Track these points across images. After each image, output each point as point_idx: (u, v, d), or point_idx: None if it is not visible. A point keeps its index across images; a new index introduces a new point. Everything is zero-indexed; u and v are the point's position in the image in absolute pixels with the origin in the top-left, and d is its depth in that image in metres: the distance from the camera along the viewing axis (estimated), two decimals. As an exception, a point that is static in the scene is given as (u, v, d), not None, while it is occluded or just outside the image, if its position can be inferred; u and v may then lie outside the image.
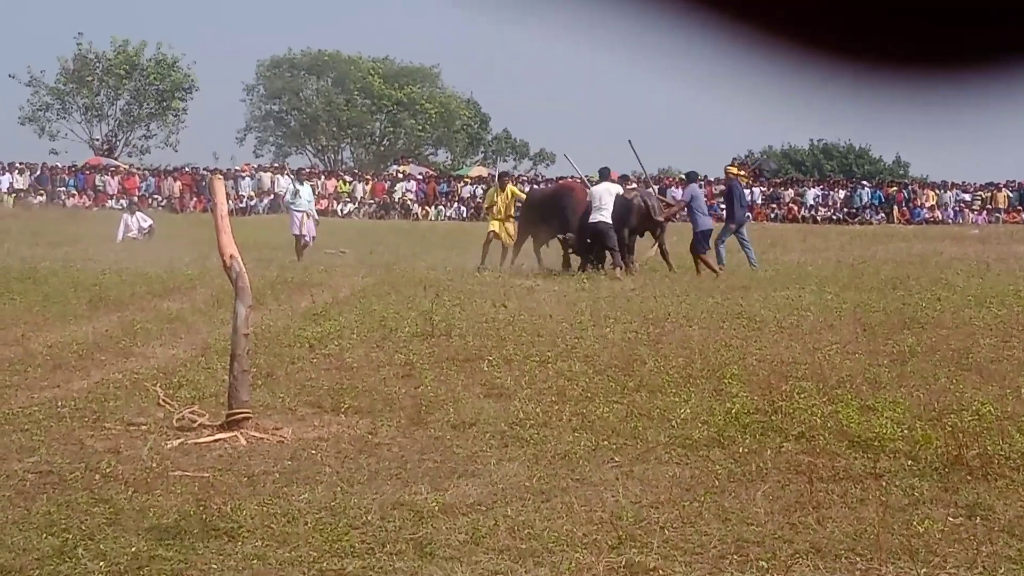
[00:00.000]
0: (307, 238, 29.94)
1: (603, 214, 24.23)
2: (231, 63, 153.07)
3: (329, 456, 8.73)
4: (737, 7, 2.18)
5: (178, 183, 68.12)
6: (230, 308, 10.44)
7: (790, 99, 2.40)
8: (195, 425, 9.56)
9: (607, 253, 24.43)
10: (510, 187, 29.10)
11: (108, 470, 8.09)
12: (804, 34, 2.22)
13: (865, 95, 2.32)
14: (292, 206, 30.58)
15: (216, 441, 9.19)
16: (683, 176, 36.32)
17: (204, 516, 6.92)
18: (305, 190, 31.17)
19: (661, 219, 25.17)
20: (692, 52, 2.32)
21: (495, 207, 28.27)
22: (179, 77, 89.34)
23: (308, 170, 66.41)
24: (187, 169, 71.17)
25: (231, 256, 10.30)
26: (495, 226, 27.96)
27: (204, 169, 69.53)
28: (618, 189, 25.35)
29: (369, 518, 6.99)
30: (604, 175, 26.33)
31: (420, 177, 73.40)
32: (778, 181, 73.29)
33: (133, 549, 6.41)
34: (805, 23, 2.20)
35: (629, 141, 27.68)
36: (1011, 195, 67.27)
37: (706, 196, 40.27)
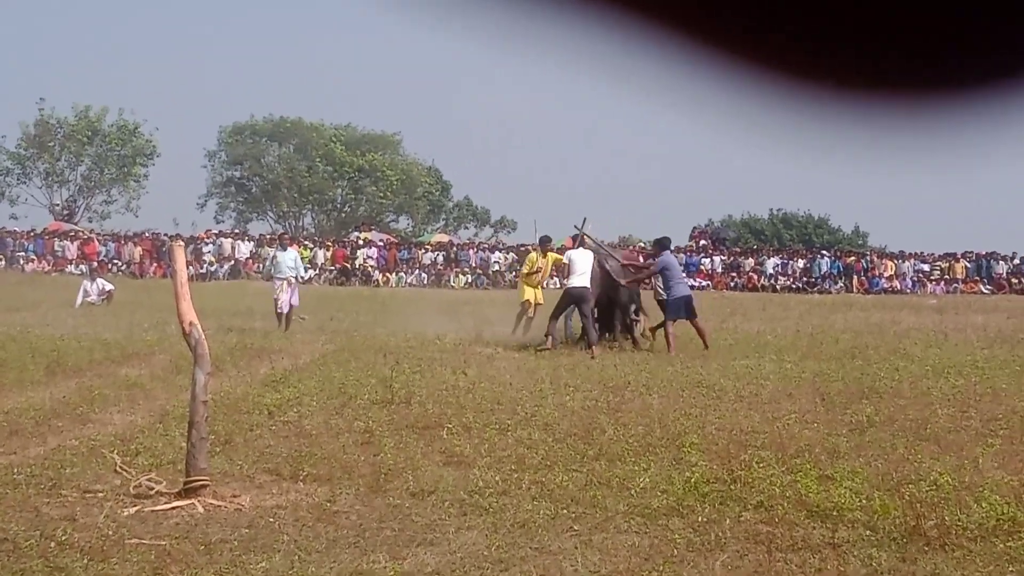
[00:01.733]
0: (283, 306, 28.84)
1: (583, 279, 24.07)
2: (193, 129, 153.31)
3: (287, 524, 8.67)
4: (706, 38, 2.20)
5: (138, 248, 67.93)
6: (189, 374, 10.40)
7: (762, 131, 2.42)
8: (152, 492, 9.48)
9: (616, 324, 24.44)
10: (552, 254, 28.33)
11: (64, 538, 8.02)
12: (778, 65, 2.23)
13: (828, 139, 2.35)
14: (273, 274, 29.63)
15: (173, 509, 9.12)
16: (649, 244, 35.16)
17: (160, 585, 6.87)
18: (285, 256, 29.85)
19: (623, 283, 24.65)
20: (660, 98, 2.34)
21: (536, 274, 27.56)
22: (141, 143, 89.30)
23: (290, 236, 66.19)
24: (147, 235, 70.95)
25: (190, 323, 10.27)
26: (529, 294, 27.37)
27: (165, 235, 69.34)
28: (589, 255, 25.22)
29: (327, 587, 6.95)
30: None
31: (381, 244, 73.45)
32: (738, 250, 73.64)
33: (88, 618, 6.36)
34: (780, 55, 2.22)
35: (583, 220, 27.02)
36: (969, 265, 67.83)
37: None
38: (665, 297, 23.77)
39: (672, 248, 24.32)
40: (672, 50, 2.19)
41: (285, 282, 28.80)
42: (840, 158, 2.40)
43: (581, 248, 25.37)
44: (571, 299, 24.16)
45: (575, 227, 26.71)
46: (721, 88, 2.23)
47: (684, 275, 24.08)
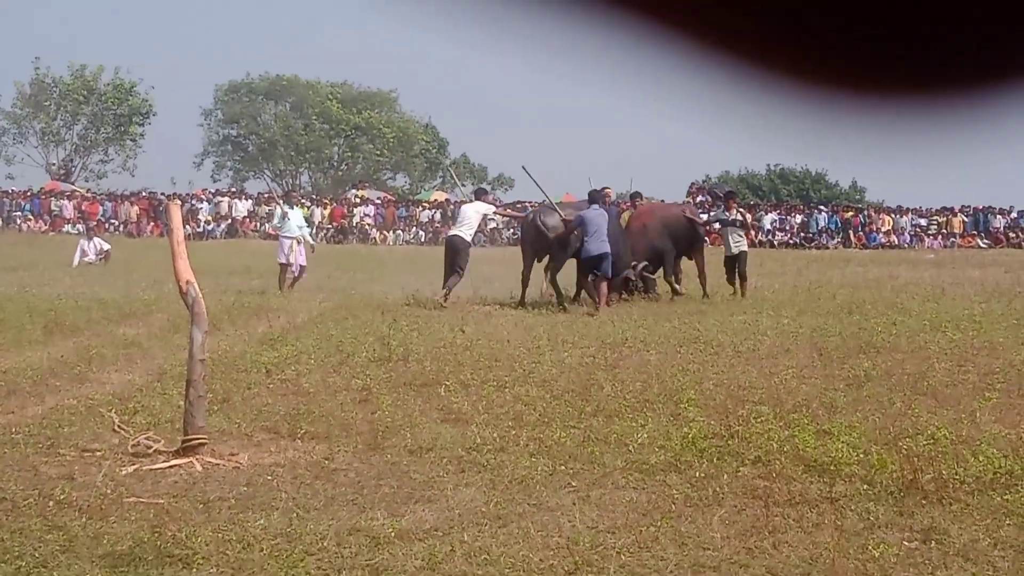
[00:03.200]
0: (295, 268, 27.82)
1: (461, 229, 24.21)
2: (189, 88, 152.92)
3: (285, 482, 8.69)
4: (697, 26, 2.18)
5: (135, 208, 67.77)
6: (186, 333, 10.39)
7: (752, 119, 2.41)
8: (150, 451, 9.49)
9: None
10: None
11: (62, 497, 8.03)
12: (767, 55, 2.22)
13: (827, 116, 2.33)
14: (281, 232, 28.34)
15: (171, 467, 9.13)
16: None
17: (159, 543, 6.87)
18: (295, 214, 28.89)
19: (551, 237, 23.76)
20: (655, 73, 2.32)
21: None
22: (137, 102, 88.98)
23: (298, 193, 65.91)
24: (144, 194, 70.78)
25: (187, 281, 10.26)
26: None
27: (161, 194, 69.21)
28: (487, 209, 25.30)
29: (325, 544, 6.96)
30: (479, 195, 25.86)
31: (378, 202, 73.26)
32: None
33: (87, 576, 6.37)
34: (769, 45, 2.20)
35: (523, 167, 26.53)
36: (966, 220, 67.71)
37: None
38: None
39: (603, 202, 23.22)
40: (668, 27, 2.19)
41: (294, 241, 27.78)
42: (839, 132, 2.39)
43: (477, 202, 25.46)
44: (446, 247, 24.29)
45: (523, 168, 26.32)
46: (722, 61, 2.22)
47: (604, 232, 22.69)
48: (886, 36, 2.16)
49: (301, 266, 27.77)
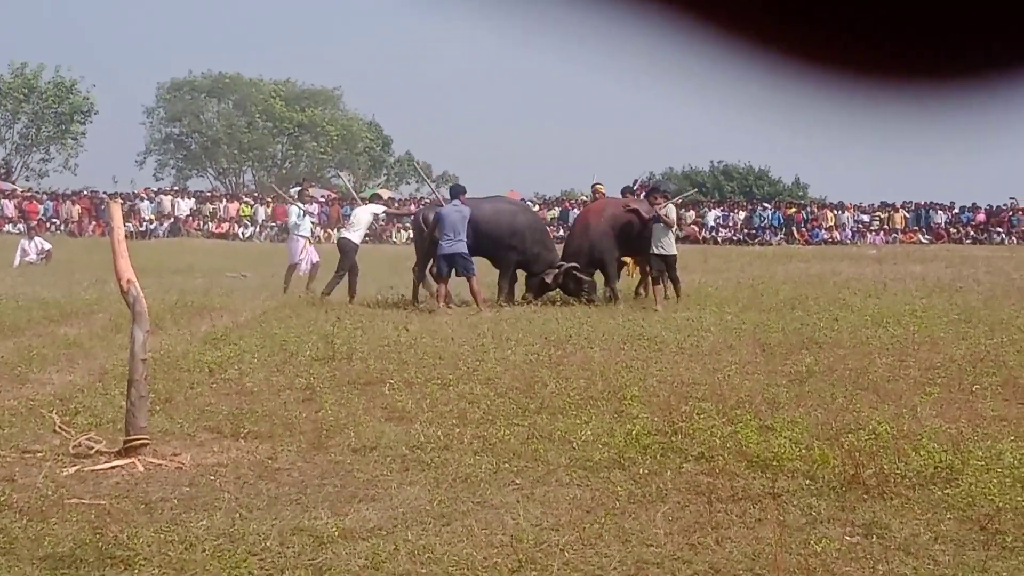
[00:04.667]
0: (305, 266, 26.83)
1: (350, 231, 24.56)
2: (131, 86, 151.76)
3: (228, 482, 8.67)
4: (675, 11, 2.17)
5: (77, 207, 67.30)
6: (128, 333, 10.32)
7: (707, 106, 2.42)
8: (92, 452, 9.44)
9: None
10: None
11: (2, 498, 7.97)
12: (730, 36, 2.22)
13: (776, 107, 2.33)
14: (297, 232, 27.13)
15: (113, 468, 9.09)
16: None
17: (100, 544, 6.84)
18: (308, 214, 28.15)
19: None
20: (600, 63, 2.32)
21: None
22: (78, 100, 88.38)
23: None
24: (86, 193, 70.33)
25: (128, 281, 10.20)
26: None
27: (103, 193, 68.75)
28: (377, 209, 25.79)
29: (268, 544, 6.95)
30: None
31: (322, 200, 73.05)
32: (678, 203, 73.75)
33: (27, 579, 6.33)
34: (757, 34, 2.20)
35: (416, 163, 26.16)
36: (908, 216, 68.15)
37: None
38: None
39: (461, 199, 22.54)
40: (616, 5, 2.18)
41: (307, 241, 27.12)
42: (788, 123, 2.39)
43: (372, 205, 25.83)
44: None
45: (415, 165, 26.06)
46: (669, 44, 2.21)
47: (462, 231, 22.02)
48: (838, 20, 2.16)
49: (315, 263, 26.96)
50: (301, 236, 26.88)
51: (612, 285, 23.97)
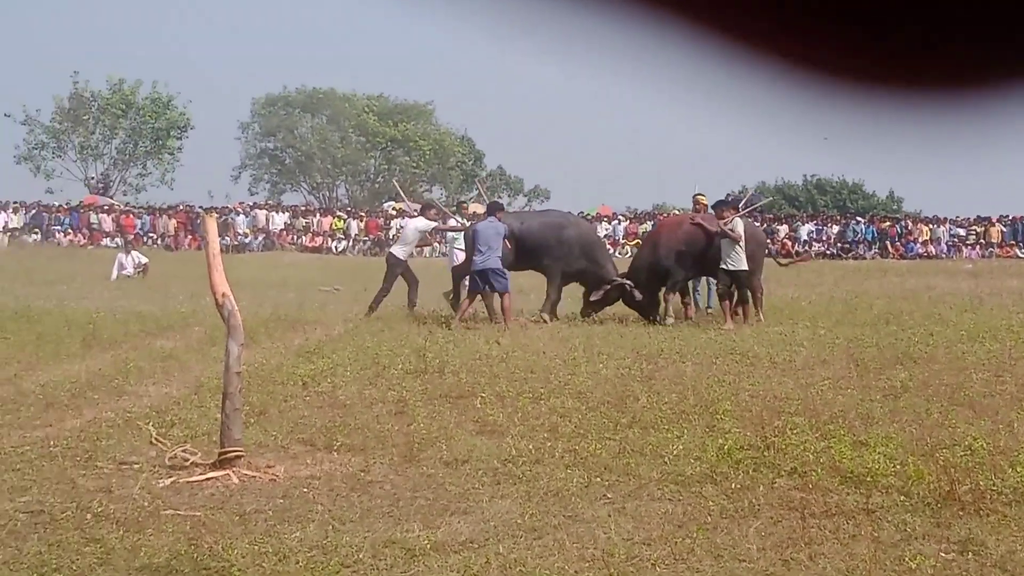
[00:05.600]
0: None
1: (396, 247, 24.64)
2: (226, 101, 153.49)
3: (321, 494, 8.71)
4: (737, 28, 2.18)
5: (173, 221, 68.07)
6: (223, 346, 10.41)
7: (791, 125, 2.41)
8: (187, 464, 9.52)
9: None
10: None
11: (100, 509, 8.07)
12: (806, 56, 2.22)
13: (865, 121, 2.32)
14: (455, 245, 26.57)
15: (208, 480, 9.16)
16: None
17: (195, 555, 6.91)
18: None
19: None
20: (695, 78, 2.32)
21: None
22: (174, 116, 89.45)
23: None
24: (182, 207, 71.08)
25: (223, 294, 10.29)
26: None
27: (199, 207, 69.45)
28: (426, 225, 24.88)
29: (361, 556, 6.98)
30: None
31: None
32: (772, 216, 73.35)
33: (124, 588, 6.40)
34: (806, 44, 2.20)
35: (395, 181, 25.82)
36: (1004, 230, 67.31)
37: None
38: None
39: (497, 215, 22.26)
40: (702, 32, 2.19)
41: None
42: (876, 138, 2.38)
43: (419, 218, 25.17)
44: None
45: (394, 183, 25.65)
46: (758, 62, 2.22)
47: (496, 246, 21.76)
48: (924, 34, 2.15)
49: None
50: (458, 249, 25.79)
51: (667, 297, 23.00)
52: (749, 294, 22.44)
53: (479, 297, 21.95)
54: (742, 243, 21.62)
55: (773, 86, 2.25)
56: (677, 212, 25.53)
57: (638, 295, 22.81)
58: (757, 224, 36.05)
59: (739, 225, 21.73)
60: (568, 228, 24.22)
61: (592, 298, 23.01)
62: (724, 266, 21.80)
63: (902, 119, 2.28)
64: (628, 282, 22.93)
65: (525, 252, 23.27)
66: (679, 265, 22.68)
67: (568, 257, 23.33)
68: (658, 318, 22.48)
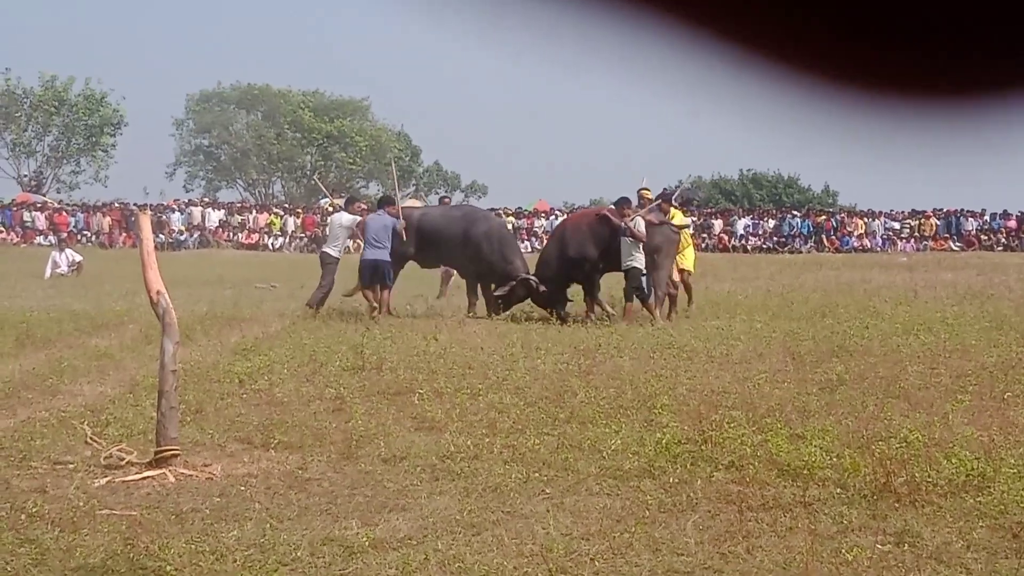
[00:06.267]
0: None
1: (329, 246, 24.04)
2: (160, 98, 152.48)
3: (258, 492, 8.67)
4: (681, 13, 2.17)
5: (107, 219, 67.58)
6: (158, 344, 10.35)
7: (738, 118, 2.40)
8: (123, 463, 9.45)
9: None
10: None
11: (34, 509, 8.00)
12: (758, 47, 2.21)
13: (808, 117, 2.32)
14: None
15: (144, 479, 9.11)
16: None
17: (131, 555, 6.86)
18: None
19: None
20: (631, 71, 2.31)
21: None
22: (108, 112, 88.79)
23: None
24: (116, 205, 70.60)
25: (158, 292, 10.23)
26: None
27: (134, 204, 69.00)
28: (351, 220, 23.84)
29: (299, 554, 6.95)
30: (382, 203, 24.20)
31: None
32: (708, 211, 73.62)
33: (59, 589, 6.35)
34: (777, 45, 2.19)
35: (315, 178, 25.66)
36: (938, 223, 67.84)
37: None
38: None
39: (387, 208, 22.53)
40: (641, 18, 2.17)
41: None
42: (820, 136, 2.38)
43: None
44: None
45: (315, 179, 25.58)
46: (697, 54, 2.21)
47: (384, 239, 21.95)
48: (874, 35, 2.15)
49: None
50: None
51: (591, 295, 22.86)
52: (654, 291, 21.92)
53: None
54: (643, 241, 21.36)
55: (715, 77, 2.24)
56: (630, 209, 24.89)
57: (542, 289, 22.58)
58: (693, 218, 36.14)
59: (640, 223, 21.46)
60: (477, 223, 24.12)
61: (497, 294, 22.91)
62: (626, 264, 21.61)
63: (843, 114, 2.29)
64: (533, 278, 22.76)
65: (430, 246, 23.43)
66: (584, 259, 22.35)
67: (476, 252, 23.28)
68: (563, 314, 22.22)
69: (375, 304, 22.33)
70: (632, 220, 21.48)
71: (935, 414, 11.06)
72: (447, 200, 31.27)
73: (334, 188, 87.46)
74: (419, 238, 22.98)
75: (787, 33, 2.17)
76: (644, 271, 21.49)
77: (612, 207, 23.63)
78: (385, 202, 23.77)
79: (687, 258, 23.20)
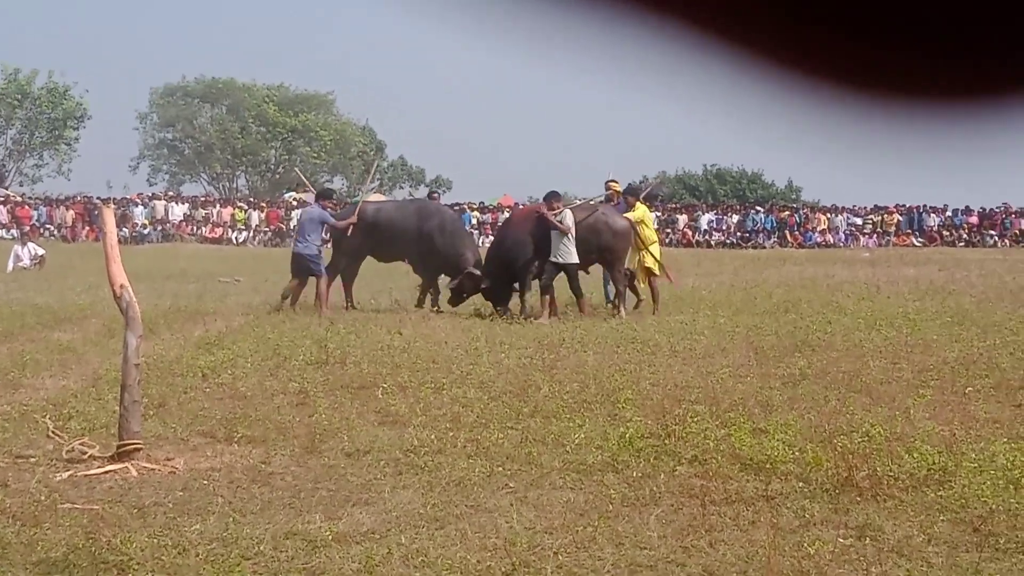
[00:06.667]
0: None
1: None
2: (124, 91, 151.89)
3: (221, 486, 8.66)
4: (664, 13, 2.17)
5: (70, 212, 67.33)
6: (121, 338, 10.31)
7: (705, 110, 2.41)
8: (85, 457, 9.42)
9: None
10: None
11: (-5, 503, 7.98)
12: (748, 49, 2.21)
13: (774, 110, 2.33)
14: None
15: (106, 473, 9.08)
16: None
17: (93, 549, 6.83)
18: None
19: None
20: (596, 65, 2.31)
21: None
22: (71, 106, 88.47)
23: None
24: (79, 198, 70.32)
25: (121, 286, 10.19)
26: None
27: (97, 198, 68.71)
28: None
29: (262, 548, 6.94)
30: (320, 197, 24.71)
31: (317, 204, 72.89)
32: (672, 206, 73.76)
33: (20, 584, 6.32)
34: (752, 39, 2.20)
35: (296, 169, 25.79)
36: (901, 218, 68.15)
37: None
38: None
39: (322, 203, 23.13)
40: (603, 7, 2.17)
41: None
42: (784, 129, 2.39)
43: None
44: None
45: (296, 170, 25.60)
46: (661, 48, 2.20)
47: (310, 232, 22.38)
48: (843, 29, 2.16)
49: None
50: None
51: (521, 292, 22.58)
52: (592, 288, 22.30)
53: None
54: (572, 235, 21.21)
55: (679, 72, 2.24)
56: (578, 201, 24.87)
57: (484, 283, 22.56)
58: (658, 213, 36.18)
59: (568, 217, 21.31)
60: (431, 217, 24.13)
61: (449, 286, 23.01)
62: (553, 259, 21.42)
63: (807, 110, 2.29)
64: (476, 271, 22.75)
65: (384, 241, 23.45)
66: (525, 254, 22.10)
67: (430, 245, 23.30)
68: (507, 312, 21.86)
69: (293, 296, 22.46)
70: (559, 214, 21.40)
71: (897, 409, 11.12)
72: (436, 196, 30.93)
73: (298, 182, 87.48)
74: (376, 233, 22.97)
75: (756, 26, 2.18)
76: (577, 264, 21.61)
77: (613, 200, 23.99)
78: (323, 195, 24.31)
79: (649, 257, 22.84)
